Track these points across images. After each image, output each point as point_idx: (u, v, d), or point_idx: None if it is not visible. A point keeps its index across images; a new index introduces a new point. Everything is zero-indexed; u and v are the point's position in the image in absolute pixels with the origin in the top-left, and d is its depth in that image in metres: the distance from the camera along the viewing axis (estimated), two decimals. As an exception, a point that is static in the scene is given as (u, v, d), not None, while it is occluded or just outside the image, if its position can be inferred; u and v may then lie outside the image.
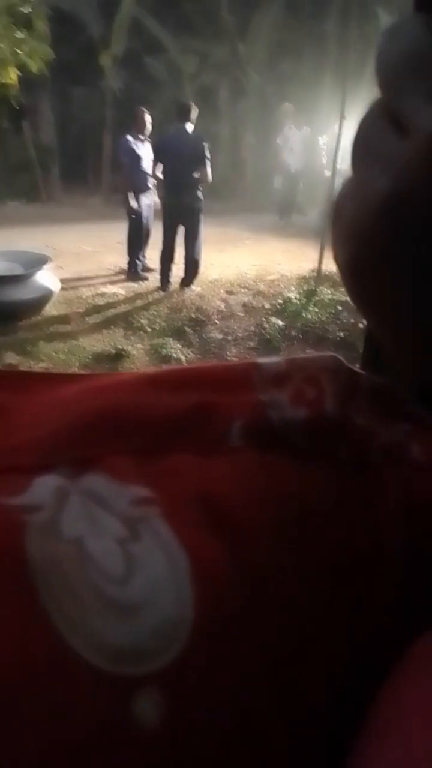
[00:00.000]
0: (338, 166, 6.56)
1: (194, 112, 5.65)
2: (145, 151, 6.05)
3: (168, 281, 5.99)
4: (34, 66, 7.59)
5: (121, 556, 0.19)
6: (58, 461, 0.21)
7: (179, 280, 6.02)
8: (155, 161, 5.84)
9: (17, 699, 0.16)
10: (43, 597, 0.18)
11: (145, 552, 0.19)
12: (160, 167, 5.77)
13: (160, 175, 5.77)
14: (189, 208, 5.72)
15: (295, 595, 0.21)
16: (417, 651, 0.21)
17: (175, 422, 0.23)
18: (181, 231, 5.90)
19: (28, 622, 0.17)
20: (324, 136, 8.83)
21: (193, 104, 5.78)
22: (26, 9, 7.45)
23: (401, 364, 0.27)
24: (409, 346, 0.25)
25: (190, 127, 5.64)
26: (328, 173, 7.43)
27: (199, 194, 5.75)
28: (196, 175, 5.65)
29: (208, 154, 5.63)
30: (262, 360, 0.26)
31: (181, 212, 5.73)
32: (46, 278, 5.08)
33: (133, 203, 6.10)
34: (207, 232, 6.16)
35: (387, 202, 0.22)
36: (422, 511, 0.23)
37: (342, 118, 6.24)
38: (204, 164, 5.62)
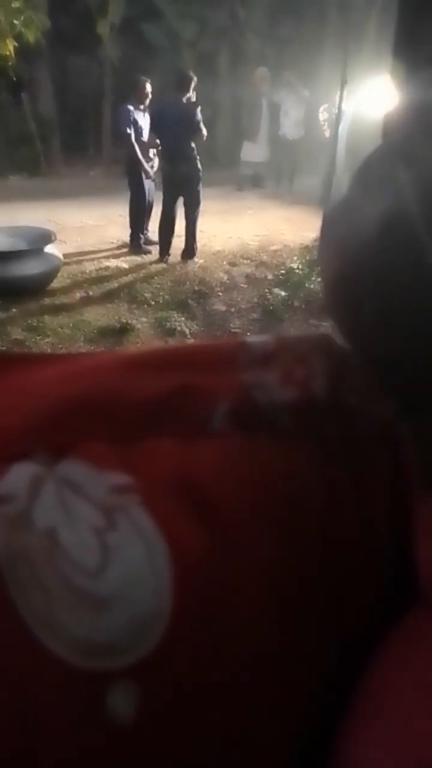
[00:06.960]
0: (339, 132, 6.47)
1: (193, 83, 5.61)
2: (145, 121, 5.97)
3: (167, 252, 6.00)
4: (31, 36, 7.46)
5: (97, 547, 0.18)
6: (35, 448, 0.20)
7: (180, 253, 6.02)
8: (152, 132, 5.81)
9: None
10: (11, 591, 0.17)
11: (121, 541, 0.18)
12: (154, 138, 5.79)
13: (157, 145, 5.79)
14: (187, 178, 5.72)
15: (280, 579, 0.20)
16: (403, 631, 0.21)
17: (156, 406, 0.22)
18: (180, 202, 5.89)
19: None
20: (325, 103, 8.69)
21: (192, 74, 5.73)
22: (21, -22, 7.30)
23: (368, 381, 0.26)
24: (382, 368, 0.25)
25: (187, 97, 5.60)
26: (328, 137, 7.34)
27: (197, 164, 5.74)
28: (193, 144, 5.64)
29: (199, 117, 5.61)
30: (251, 339, 0.25)
31: (180, 182, 5.73)
32: (51, 254, 5.11)
33: (148, 168, 6.04)
34: (209, 202, 6.13)
35: (384, 222, 0.23)
36: (407, 486, 0.23)
37: (343, 82, 6.16)
38: (199, 129, 5.62)
